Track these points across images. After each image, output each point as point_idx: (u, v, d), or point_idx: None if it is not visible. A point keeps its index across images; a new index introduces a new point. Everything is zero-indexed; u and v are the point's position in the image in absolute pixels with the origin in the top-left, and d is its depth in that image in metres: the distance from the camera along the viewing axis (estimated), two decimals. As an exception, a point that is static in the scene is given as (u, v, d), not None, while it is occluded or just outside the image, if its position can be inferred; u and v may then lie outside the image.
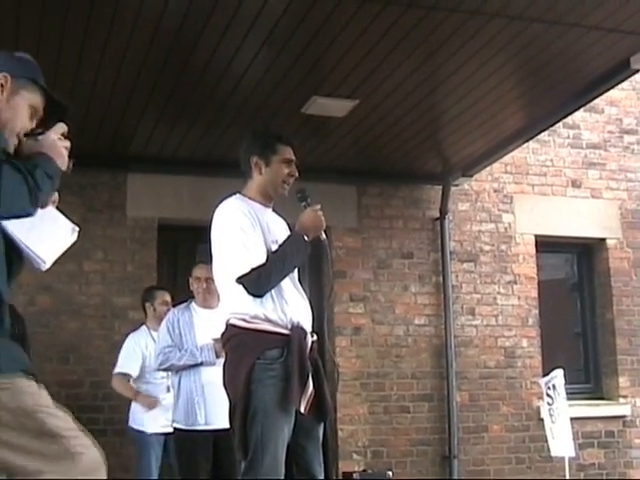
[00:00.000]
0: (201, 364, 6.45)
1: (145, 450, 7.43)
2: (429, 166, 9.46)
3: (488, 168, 9.68)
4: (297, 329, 4.40)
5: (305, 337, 4.44)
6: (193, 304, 6.77)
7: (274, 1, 5.80)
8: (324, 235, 4.72)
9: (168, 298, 7.72)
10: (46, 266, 2.99)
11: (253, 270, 4.35)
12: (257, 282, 4.36)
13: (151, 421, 7.40)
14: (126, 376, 7.57)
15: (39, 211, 2.87)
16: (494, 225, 10.04)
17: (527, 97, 7.86)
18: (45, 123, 3.06)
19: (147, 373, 7.48)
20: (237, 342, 4.42)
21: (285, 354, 4.32)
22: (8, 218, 2.79)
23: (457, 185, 9.79)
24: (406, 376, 9.36)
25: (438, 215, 9.75)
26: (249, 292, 4.37)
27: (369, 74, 6.98)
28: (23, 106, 2.96)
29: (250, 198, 4.65)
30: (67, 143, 2.98)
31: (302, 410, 4.32)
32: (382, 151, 8.87)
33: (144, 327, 7.71)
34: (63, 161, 2.94)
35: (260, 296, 4.38)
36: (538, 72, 7.13)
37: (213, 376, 5.72)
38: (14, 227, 2.86)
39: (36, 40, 6.08)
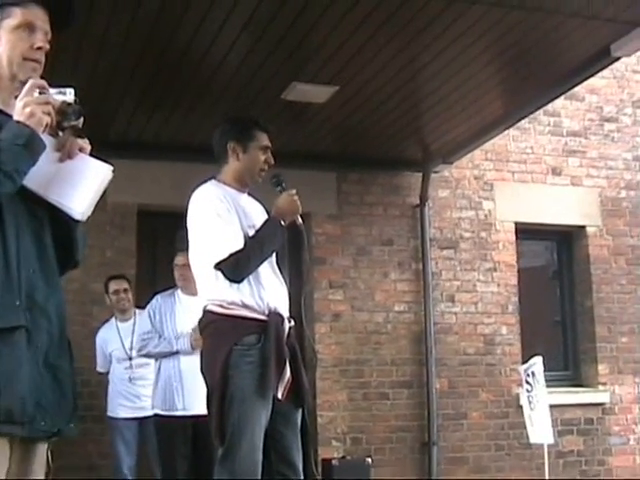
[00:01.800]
0: (177, 352, 6.49)
1: (112, 436, 7.57)
2: (409, 153, 9.44)
3: (468, 155, 9.66)
4: (274, 315, 4.40)
5: (282, 323, 4.44)
6: (178, 291, 6.79)
7: (254, -15, 5.79)
8: (300, 219, 4.72)
9: (119, 286, 7.71)
10: (82, 214, 2.80)
11: (231, 255, 4.34)
12: (236, 267, 4.36)
13: (119, 407, 7.50)
14: (101, 374, 7.81)
15: (67, 162, 2.74)
16: (474, 212, 10.03)
17: (508, 84, 7.84)
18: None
19: (115, 362, 7.61)
20: (214, 328, 4.42)
21: (262, 340, 4.32)
22: None
23: (437, 172, 9.78)
24: (385, 363, 9.35)
25: (418, 202, 9.73)
26: (228, 278, 4.36)
27: (349, 60, 6.95)
28: (9, 35, 2.73)
29: (225, 183, 4.64)
30: (42, 98, 2.63)
31: (279, 396, 4.32)
32: (362, 138, 8.85)
33: (113, 317, 7.78)
34: (36, 120, 2.59)
35: (239, 281, 4.37)
36: (519, 59, 7.12)
37: (192, 363, 5.71)
38: (34, 186, 2.68)
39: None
